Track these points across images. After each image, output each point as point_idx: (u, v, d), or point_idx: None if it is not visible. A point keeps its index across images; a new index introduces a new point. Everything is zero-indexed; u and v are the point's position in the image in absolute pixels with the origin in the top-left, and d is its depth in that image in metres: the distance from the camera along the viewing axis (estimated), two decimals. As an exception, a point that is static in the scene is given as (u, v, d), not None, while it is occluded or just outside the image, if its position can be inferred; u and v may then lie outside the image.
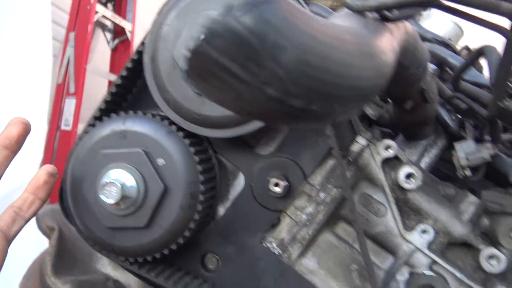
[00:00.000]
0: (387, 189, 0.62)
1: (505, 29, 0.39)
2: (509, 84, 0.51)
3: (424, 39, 0.85)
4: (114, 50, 3.19)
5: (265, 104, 0.27)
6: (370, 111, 0.71)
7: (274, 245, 0.66)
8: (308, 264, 0.66)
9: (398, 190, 0.62)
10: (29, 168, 1.76)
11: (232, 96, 0.27)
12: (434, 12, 0.96)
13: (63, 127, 2.65)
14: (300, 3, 0.56)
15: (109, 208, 0.57)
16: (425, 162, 0.76)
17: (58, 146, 2.63)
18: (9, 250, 0.52)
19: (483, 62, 0.78)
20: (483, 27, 0.39)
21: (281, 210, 0.64)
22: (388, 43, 0.38)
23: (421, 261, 0.62)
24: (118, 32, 3.16)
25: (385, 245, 0.64)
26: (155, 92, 0.59)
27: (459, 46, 0.95)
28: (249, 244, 0.65)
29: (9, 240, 0.52)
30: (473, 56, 0.64)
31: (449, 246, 0.63)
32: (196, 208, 0.58)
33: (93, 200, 0.58)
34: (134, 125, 0.59)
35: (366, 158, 0.62)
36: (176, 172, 0.57)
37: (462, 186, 0.68)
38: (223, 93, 0.27)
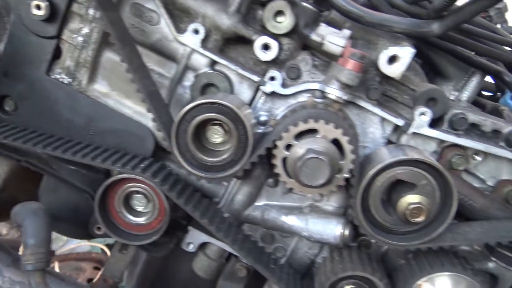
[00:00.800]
0: (154, -7, 0.61)
1: None
2: None
3: None
4: None
5: None
6: None
7: (63, 75, 0.66)
8: (100, 88, 0.67)
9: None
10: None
11: None
12: None
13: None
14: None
15: None
16: None
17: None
18: None
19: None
20: None
21: (56, 36, 0.63)
22: None
23: (200, 62, 0.64)
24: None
25: (164, 52, 0.65)
26: None
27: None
28: (37, 78, 0.65)
29: None
30: None
31: (228, 44, 0.64)
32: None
33: None
34: None
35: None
36: None
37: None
38: None
